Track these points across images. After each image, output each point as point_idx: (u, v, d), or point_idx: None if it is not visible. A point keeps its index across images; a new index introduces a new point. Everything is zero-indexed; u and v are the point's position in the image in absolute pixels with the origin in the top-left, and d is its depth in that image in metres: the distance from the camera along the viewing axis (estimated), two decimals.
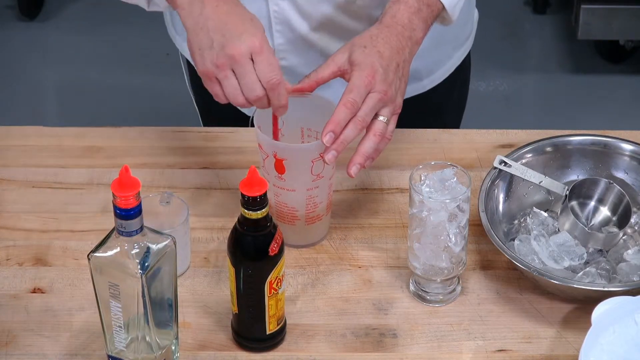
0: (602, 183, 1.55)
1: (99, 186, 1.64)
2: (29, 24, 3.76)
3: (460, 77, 1.85)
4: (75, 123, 1.82)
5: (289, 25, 1.64)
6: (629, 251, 1.49)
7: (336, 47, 1.51)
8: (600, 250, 1.51)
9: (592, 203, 1.56)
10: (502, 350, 1.41)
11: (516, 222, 1.54)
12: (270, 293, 1.35)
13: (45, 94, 3.53)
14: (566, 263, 1.47)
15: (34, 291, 1.48)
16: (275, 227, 1.34)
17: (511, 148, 1.63)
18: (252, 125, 1.47)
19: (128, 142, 1.71)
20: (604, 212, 1.55)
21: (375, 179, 1.64)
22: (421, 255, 1.43)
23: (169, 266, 1.29)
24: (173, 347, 1.35)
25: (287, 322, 1.42)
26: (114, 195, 1.22)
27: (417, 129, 1.72)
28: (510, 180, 1.56)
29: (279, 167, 1.45)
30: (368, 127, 1.45)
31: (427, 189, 1.40)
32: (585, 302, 1.43)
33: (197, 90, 1.86)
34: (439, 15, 1.53)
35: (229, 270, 1.36)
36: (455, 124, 1.92)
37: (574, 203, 1.54)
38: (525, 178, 1.54)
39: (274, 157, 1.45)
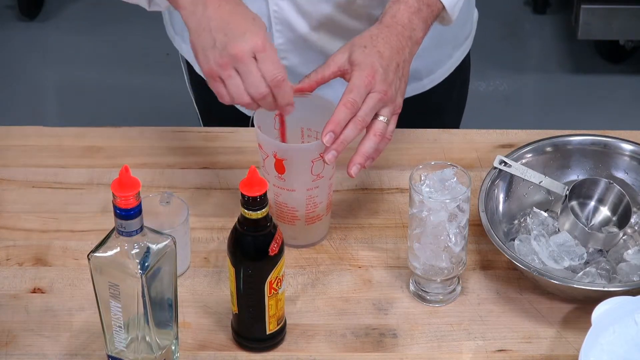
0: (602, 183, 1.55)
1: (99, 186, 1.64)
2: (29, 24, 3.76)
3: (460, 77, 1.85)
4: (75, 123, 1.82)
5: (289, 25, 1.64)
6: (629, 251, 1.49)
7: (336, 46, 1.51)
8: (600, 250, 1.51)
9: (592, 203, 1.56)
10: (502, 350, 1.41)
11: (516, 222, 1.54)
12: (270, 293, 1.35)
13: (45, 94, 3.53)
14: (566, 263, 1.47)
15: (34, 291, 1.48)
16: (275, 227, 1.34)
17: (511, 148, 1.63)
18: (252, 125, 1.47)
19: (128, 142, 1.71)
20: (604, 212, 1.55)
21: (375, 179, 1.64)
22: (421, 255, 1.43)
23: (169, 266, 1.29)
24: (173, 347, 1.35)
25: (287, 322, 1.42)
26: (114, 195, 1.22)
27: (417, 129, 1.72)
28: (510, 180, 1.56)
29: (279, 167, 1.45)
30: (368, 127, 1.45)
31: (427, 189, 1.40)
32: (585, 302, 1.43)
33: (197, 91, 1.86)
34: (439, 15, 1.53)
35: (229, 270, 1.36)
36: (455, 124, 1.92)
37: (574, 203, 1.54)
38: (525, 178, 1.54)
39: (274, 157, 1.45)
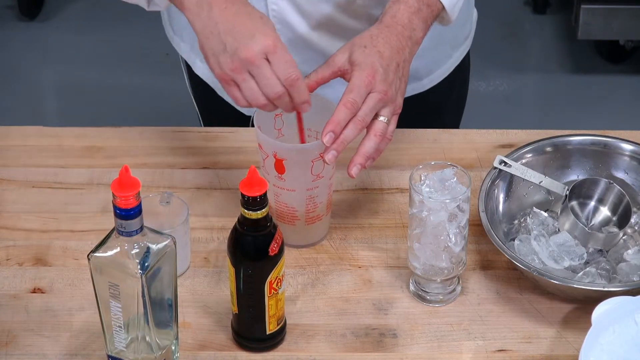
0: (602, 183, 1.55)
1: (99, 186, 1.64)
2: (29, 24, 3.76)
3: (459, 77, 1.85)
4: (75, 123, 1.82)
5: (289, 25, 1.64)
6: (629, 251, 1.49)
7: (336, 46, 1.51)
8: (600, 250, 1.51)
9: (592, 203, 1.56)
10: (502, 350, 1.41)
11: (516, 222, 1.54)
12: (270, 293, 1.35)
13: (45, 94, 3.53)
14: (566, 263, 1.47)
15: (34, 291, 1.48)
16: (275, 227, 1.34)
17: (511, 148, 1.63)
18: (252, 125, 1.47)
19: (128, 142, 1.71)
20: (604, 212, 1.55)
21: (375, 179, 1.64)
22: (421, 255, 1.43)
23: (169, 266, 1.29)
24: (173, 347, 1.35)
25: (287, 322, 1.42)
26: (114, 195, 1.22)
27: (417, 129, 1.72)
28: (510, 180, 1.56)
29: (279, 167, 1.45)
30: (368, 128, 1.45)
31: (427, 189, 1.40)
32: (585, 302, 1.43)
33: (196, 91, 1.86)
34: (439, 15, 1.53)
35: (229, 270, 1.36)
36: (455, 124, 1.92)
37: (574, 203, 1.54)
38: (525, 178, 1.54)
39: (274, 157, 1.45)
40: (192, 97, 1.89)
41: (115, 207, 1.23)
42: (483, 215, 1.48)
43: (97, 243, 1.27)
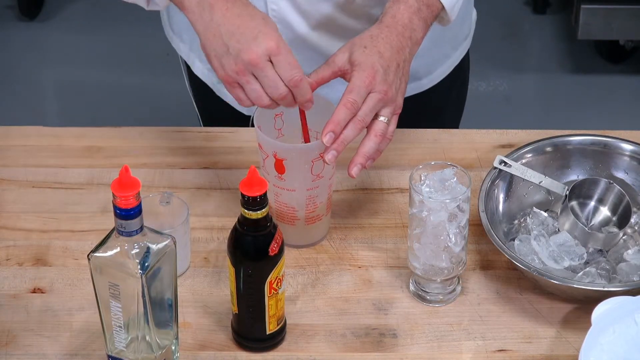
0: (602, 183, 1.55)
1: (99, 186, 1.64)
2: (29, 24, 3.76)
3: (459, 76, 1.85)
4: (75, 123, 1.82)
5: (288, 25, 1.64)
6: (629, 251, 1.49)
7: (336, 46, 1.51)
8: (600, 250, 1.51)
9: (592, 203, 1.56)
10: (502, 350, 1.41)
11: (516, 222, 1.54)
12: (270, 293, 1.35)
13: (45, 94, 3.53)
14: (566, 263, 1.47)
15: (34, 291, 1.48)
16: (275, 227, 1.34)
17: (511, 148, 1.63)
18: (252, 125, 1.47)
19: (128, 142, 1.71)
20: (604, 212, 1.55)
21: (375, 179, 1.64)
22: (421, 255, 1.43)
23: (169, 266, 1.29)
24: (173, 347, 1.35)
25: (287, 322, 1.42)
26: (114, 195, 1.22)
27: (417, 129, 1.72)
28: (510, 180, 1.56)
29: (279, 167, 1.45)
30: (369, 128, 1.45)
31: (427, 189, 1.40)
32: (585, 302, 1.43)
33: (196, 91, 1.86)
34: (438, 15, 1.53)
35: (229, 270, 1.36)
36: (455, 124, 1.92)
37: (574, 203, 1.54)
38: (525, 178, 1.54)
39: (274, 157, 1.45)
40: (192, 97, 1.89)
41: (115, 207, 1.23)
42: (483, 215, 1.48)
43: (97, 243, 1.27)
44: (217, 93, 1.79)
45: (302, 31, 1.65)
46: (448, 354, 1.40)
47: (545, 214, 1.53)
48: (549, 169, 1.58)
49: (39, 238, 1.55)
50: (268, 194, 1.31)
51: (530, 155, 1.58)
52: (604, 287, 1.40)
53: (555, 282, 1.41)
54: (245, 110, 1.76)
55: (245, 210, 1.31)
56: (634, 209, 1.54)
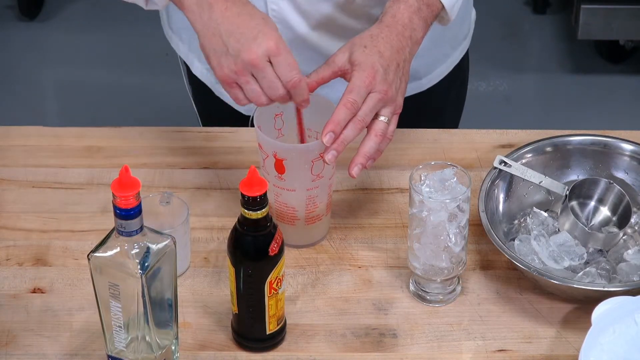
0: (602, 183, 1.55)
1: (99, 186, 1.64)
2: (29, 24, 3.76)
3: (458, 76, 1.85)
4: (75, 123, 1.82)
5: (288, 25, 1.64)
6: (629, 251, 1.49)
7: (336, 46, 1.51)
8: (600, 250, 1.51)
9: (592, 203, 1.56)
10: (502, 350, 1.41)
11: (516, 222, 1.54)
12: (270, 293, 1.35)
13: (45, 94, 3.53)
14: (566, 263, 1.47)
15: (34, 291, 1.48)
16: (275, 227, 1.34)
17: (511, 148, 1.63)
18: (252, 125, 1.47)
19: (128, 142, 1.71)
20: (604, 212, 1.55)
21: (375, 179, 1.64)
22: (421, 255, 1.43)
23: (169, 266, 1.29)
24: (173, 347, 1.35)
25: (287, 322, 1.42)
26: (114, 195, 1.22)
27: (417, 129, 1.72)
28: (510, 180, 1.56)
29: (279, 167, 1.45)
30: (369, 128, 1.45)
31: (427, 189, 1.40)
32: (585, 302, 1.43)
33: (195, 91, 1.86)
34: (438, 15, 1.53)
35: (229, 270, 1.36)
36: (454, 124, 1.92)
37: (574, 203, 1.54)
38: (525, 178, 1.54)
39: (274, 157, 1.45)
40: (191, 97, 1.89)
41: (115, 207, 1.23)
42: (483, 215, 1.48)
43: (97, 243, 1.27)
44: (216, 93, 1.79)
45: (302, 31, 1.65)
46: (448, 354, 1.40)
47: (545, 214, 1.53)
48: (549, 169, 1.58)
49: (39, 238, 1.55)
50: (268, 194, 1.31)
51: (530, 155, 1.58)
52: (604, 287, 1.40)
53: (555, 282, 1.41)
54: (244, 111, 1.76)
55: (245, 210, 1.31)
56: (634, 209, 1.54)
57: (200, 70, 1.78)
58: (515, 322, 1.44)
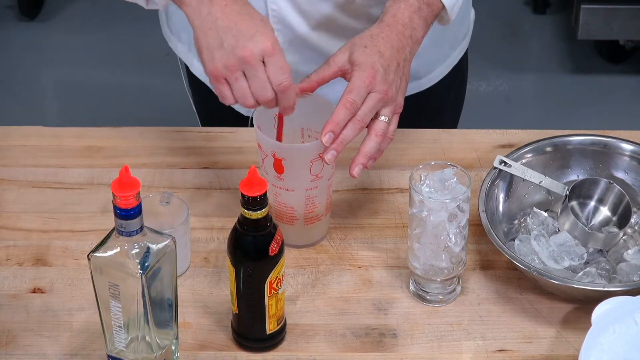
0: (602, 183, 1.55)
1: (99, 186, 1.64)
2: (29, 24, 3.76)
3: (458, 76, 1.85)
4: (75, 123, 1.82)
5: (288, 25, 1.64)
6: (629, 251, 1.49)
7: (336, 46, 1.51)
8: (600, 250, 1.51)
9: (592, 203, 1.56)
10: (502, 350, 1.41)
11: (516, 222, 1.54)
12: (270, 293, 1.35)
13: (45, 94, 3.53)
14: (566, 263, 1.47)
15: (34, 291, 1.48)
16: (275, 227, 1.34)
17: (511, 148, 1.63)
18: (252, 125, 1.47)
19: (128, 142, 1.71)
20: (604, 212, 1.55)
21: (375, 179, 1.64)
22: (421, 255, 1.43)
23: (169, 266, 1.29)
24: (173, 347, 1.35)
25: (287, 322, 1.42)
26: (114, 195, 1.22)
27: (417, 129, 1.73)
28: (510, 180, 1.56)
29: (278, 167, 1.45)
30: (369, 127, 1.45)
31: (427, 189, 1.40)
32: (585, 302, 1.43)
33: (195, 92, 1.86)
34: (438, 14, 1.53)
35: (229, 270, 1.36)
36: (453, 124, 1.92)
37: (574, 203, 1.54)
38: (525, 178, 1.54)
39: (273, 157, 1.45)
40: (190, 97, 1.89)
41: (115, 207, 1.23)
42: (483, 215, 1.48)
43: (97, 243, 1.27)
44: (216, 93, 1.78)
45: (302, 31, 1.65)
46: (448, 354, 1.40)
47: (545, 214, 1.53)
48: (549, 169, 1.58)
49: (39, 238, 1.55)
50: (267, 194, 1.31)
51: (530, 155, 1.58)
52: (604, 287, 1.40)
53: (555, 282, 1.41)
54: (244, 111, 1.76)
55: (245, 210, 1.31)
56: (634, 209, 1.54)
57: (199, 70, 1.78)
58: (515, 322, 1.44)
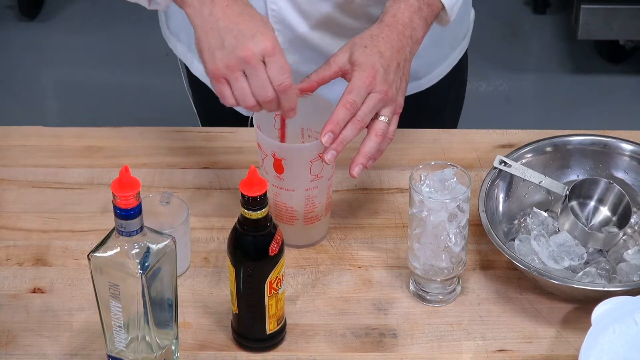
0: (602, 183, 1.55)
1: (99, 186, 1.64)
2: (29, 24, 3.76)
3: (458, 76, 1.85)
4: (75, 123, 1.82)
5: (288, 25, 1.64)
6: (629, 251, 1.49)
7: (336, 46, 1.51)
8: (600, 250, 1.51)
9: (592, 203, 1.56)
10: (502, 350, 1.41)
11: (516, 222, 1.54)
12: (270, 293, 1.35)
13: (45, 94, 3.53)
14: (566, 263, 1.47)
15: (34, 291, 1.48)
16: (275, 227, 1.34)
17: (511, 148, 1.63)
18: (252, 125, 1.47)
19: (128, 142, 1.71)
20: (604, 212, 1.55)
21: (375, 179, 1.64)
22: (421, 255, 1.43)
23: (169, 266, 1.29)
24: (173, 347, 1.35)
25: (287, 322, 1.42)
26: (114, 195, 1.22)
27: (417, 129, 1.73)
28: (510, 180, 1.56)
29: (278, 167, 1.45)
30: (369, 128, 1.45)
31: (427, 189, 1.40)
32: (585, 302, 1.43)
33: (195, 92, 1.86)
34: (438, 14, 1.53)
35: (229, 270, 1.36)
36: (453, 124, 1.92)
37: (574, 203, 1.54)
38: (525, 178, 1.54)
39: (273, 156, 1.45)
40: (190, 97, 1.89)
41: (115, 207, 1.23)
42: (483, 215, 1.48)
43: (97, 243, 1.27)
44: (216, 93, 1.78)
45: (302, 31, 1.65)
46: (448, 354, 1.40)
47: (545, 214, 1.53)
48: (549, 169, 1.58)
49: (39, 238, 1.55)
50: (267, 194, 1.30)
51: (530, 155, 1.58)
52: (604, 287, 1.40)
53: (555, 282, 1.41)
54: (244, 111, 1.76)
55: (245, 210, 1.31)
56: (634, 209, 1.54)
57: (199, 70, 1.78)
58: (515, 322, 1.44)
